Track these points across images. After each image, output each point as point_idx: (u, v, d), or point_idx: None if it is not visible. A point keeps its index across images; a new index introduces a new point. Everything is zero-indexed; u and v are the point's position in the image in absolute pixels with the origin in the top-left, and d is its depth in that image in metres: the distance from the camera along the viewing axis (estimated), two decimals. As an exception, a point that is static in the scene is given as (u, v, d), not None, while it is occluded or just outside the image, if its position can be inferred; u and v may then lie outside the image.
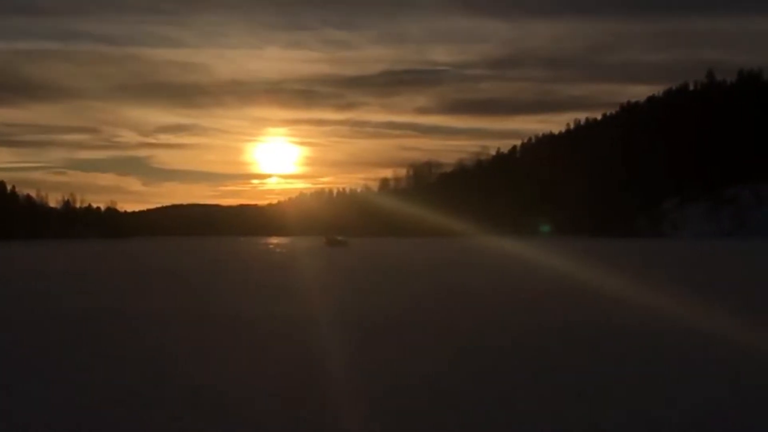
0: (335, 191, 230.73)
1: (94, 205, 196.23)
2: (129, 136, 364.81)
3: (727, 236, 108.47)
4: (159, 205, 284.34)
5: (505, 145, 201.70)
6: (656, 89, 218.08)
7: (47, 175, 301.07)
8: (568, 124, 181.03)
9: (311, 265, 39.30)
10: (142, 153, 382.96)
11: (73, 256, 58.19)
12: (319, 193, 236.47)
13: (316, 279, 27.70)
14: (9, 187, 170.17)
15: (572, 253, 51.93)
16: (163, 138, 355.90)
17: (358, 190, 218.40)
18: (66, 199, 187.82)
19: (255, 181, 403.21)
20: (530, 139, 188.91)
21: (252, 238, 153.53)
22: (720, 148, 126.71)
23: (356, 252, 59.82)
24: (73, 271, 34.39)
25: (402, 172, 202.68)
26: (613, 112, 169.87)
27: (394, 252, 60.67)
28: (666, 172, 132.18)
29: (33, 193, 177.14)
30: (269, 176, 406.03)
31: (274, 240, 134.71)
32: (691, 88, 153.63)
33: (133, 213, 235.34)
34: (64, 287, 23.80)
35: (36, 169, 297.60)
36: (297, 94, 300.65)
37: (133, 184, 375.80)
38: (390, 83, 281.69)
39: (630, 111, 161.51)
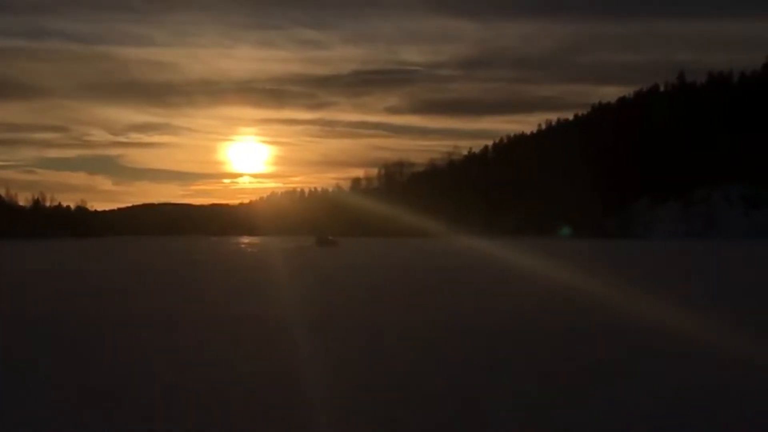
0: (307, 191, 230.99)
1: (64, 204, 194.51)
2: (99, 135, 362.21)
3: (697, 237, 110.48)
4: (130, 205, 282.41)
5: (477, 145, 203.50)
6: (627, 90, 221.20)
7: (16, 173, 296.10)
8: (539, 125, 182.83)
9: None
10: (113, 152, 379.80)
11: (43, 255, 57.85)
12: (291, 193, 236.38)
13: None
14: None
15: (545, 254, 52.51)
16: (134, 137, 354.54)
17: (330, 189, 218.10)
18: (36, 198, 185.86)
19: (226, 181, 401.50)
20: (502, 139, 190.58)
21: (224, 238, 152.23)
22: (691, 149, 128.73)
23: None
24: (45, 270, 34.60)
25: (373, 171, 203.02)
26: (584, 112, 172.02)
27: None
28: (636, 173, 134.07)
29: (2, 192, 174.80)
30: (240, 176, 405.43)
31: (246, 239, 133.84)
32: (662, 89, 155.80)
33: (104, 212, 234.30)
34: (28, 287, 23.90)
35: (5, 167, 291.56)
36: (268, 93, 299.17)
37: (104, 183, 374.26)
38: (361, 83, 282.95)
39: (601, 112, 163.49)
